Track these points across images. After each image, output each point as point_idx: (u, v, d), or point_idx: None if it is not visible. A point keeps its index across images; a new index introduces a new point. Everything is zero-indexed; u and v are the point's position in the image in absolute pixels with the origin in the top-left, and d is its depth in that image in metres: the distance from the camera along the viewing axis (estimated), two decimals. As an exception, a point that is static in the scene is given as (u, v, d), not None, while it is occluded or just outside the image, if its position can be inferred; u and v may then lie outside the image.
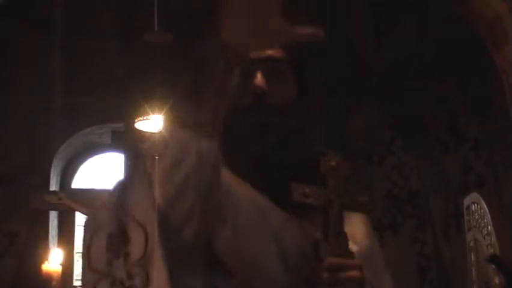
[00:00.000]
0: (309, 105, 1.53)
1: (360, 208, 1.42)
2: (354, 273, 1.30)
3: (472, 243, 4.12)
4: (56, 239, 6.87)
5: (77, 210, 6.33)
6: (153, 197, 1.24)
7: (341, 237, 1.33)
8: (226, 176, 1.34)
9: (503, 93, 4.50)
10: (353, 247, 1.36)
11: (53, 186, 6.86)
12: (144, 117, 5.62)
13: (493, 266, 3.64)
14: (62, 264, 4.14)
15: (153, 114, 5.56)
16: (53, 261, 4.01)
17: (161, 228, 1.24)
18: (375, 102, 6.45)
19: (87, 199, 6.07)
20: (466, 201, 4.26)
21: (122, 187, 1.32)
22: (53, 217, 6.85)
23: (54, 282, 3.94)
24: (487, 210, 3.92)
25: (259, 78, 1.43)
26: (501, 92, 4.56)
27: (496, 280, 3.71)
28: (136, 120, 5.69)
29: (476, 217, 4.05)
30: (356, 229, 1.45)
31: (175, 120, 1.30)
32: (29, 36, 6.48)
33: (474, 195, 4.22)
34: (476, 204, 4.09)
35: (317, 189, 1.34)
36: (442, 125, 6.20)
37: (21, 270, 6.16)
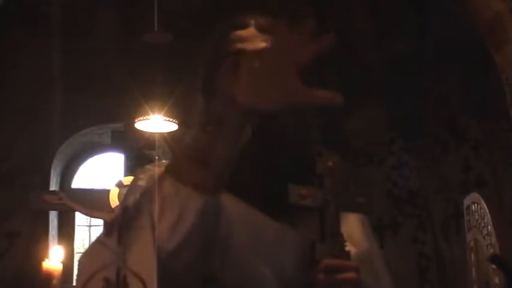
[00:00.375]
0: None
1: (357, 209, 1.40)
2: (350, 274, 1.29)
3: (472, 243, 4.13)
4: (56, 239, 6.88)
5: (77, 210, 6.33)
6: (154, 249, 1.22)
7: (337, 238, 1.31)
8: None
9: (503, 93, 4.50)
10: (351, 248, 1.35)
11: (53, 186, 6.86)
12: (144, 117, 5.63)
13: (493, 266, 3.64)
14: (63, 263, 4.10)
15: (153, 114, 5.57)
16: (53, 259, 3.94)
17: (160, 278, 1.23)
18: (375, 102, 6.46)
19: (87, 199, 6.07)
20: (466, 201, 4.27)
21: (125, 226, 1.29)
22: (53, 217, 6.86)
23: (54, 281, 3.89)
24: (487, 210, 3.92)
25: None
26: (501, 92, 4.56)
27: (496, 280, 3.71)
28: (136, 120, 5.70)
29: (476, 217, 4.05)
30: (354, 230, 1.44)
31: (178, 178, 1.27)
32: (29, 36, 6.48)
33: (474, 195, 4.22)
34: (476, 204, 4.09)
35: (314, 190, 1.33)
36: (442, 125, 6.20)
37: (22, 270, 6.16)
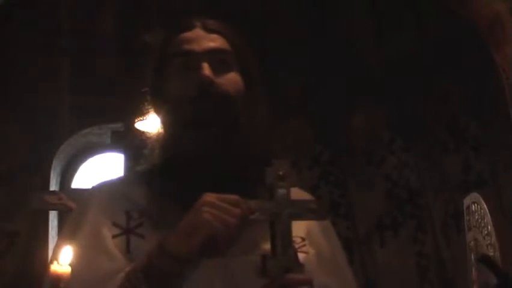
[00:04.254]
0: (257, 103, 1.49)
1: (310, 216, 1.35)
2: None
3: (472, 243, 4.12)
4: (56, 239, 6.87)
5: (77, 210, 6.32)
6: None
7: (289, 250, 1.27)
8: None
9: (503, 93, 4.50)
10: (309, 250, 1.33)
11: (53, 186, 6.86)
12: (144, 117, 5.62)
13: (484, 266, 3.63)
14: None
15: (153, 114, 5.56)
16: (62, 261, 3.85)
17: None
18: (375, 102, 6.45)
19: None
20: (466, 201, 4.26)
21: None
22: (53, 217, 6.85)
23: (62, 284, 3.84)
24: (487, 210, 3.91)
25: (205, 68, 1.40)
26: (501, 92, 4.56)
27: (496, 280, 3.70)
28: (136, 120, 5.69)
29: (476, 217, 4.05)
30: (313, 231, 1.43)
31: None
32: (29, 36, 6.47)
33: (474, 195, 4.21)
34: (476, 204, 4.08)
35: (262, 202, 1.29)
36: (442, 125, 6.20)
37: (22, 270, 6.16)
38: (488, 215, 3.88)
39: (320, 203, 1.35)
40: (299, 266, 1.28)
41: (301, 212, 1.32)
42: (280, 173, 1.29)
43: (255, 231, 1.34)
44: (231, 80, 1.44)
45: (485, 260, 3.20)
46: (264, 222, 1.30)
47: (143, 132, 5.81)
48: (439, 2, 5.26)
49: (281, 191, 1.29)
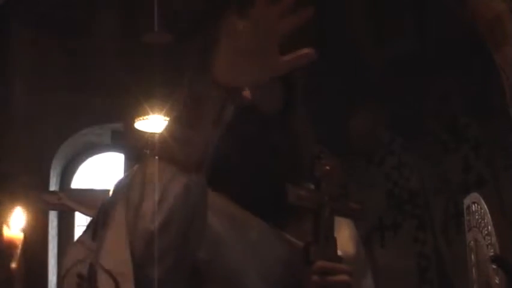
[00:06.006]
0: (298, 114, 1.52)
1: (350, 214, 1.43)
2: (343, 277, 1.31)
3: (472, 243, 4.12)
4: (56, 239, 6.88)
5: (77, 210, 6.33)
6: (128, 245, 1.20)
7: (331, 241, 1.34)
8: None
9: (503, 93, 4.50)
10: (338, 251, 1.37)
11: (53, 186, 6.86)
12: (144, 117, 5.63)
13: (494, 266, 3.64)
14: (24, 231, 3.71)
15: (153, 114, 5.57)
16: (14, 226, 3.55)
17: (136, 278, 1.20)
18: (375, 102, 6.46)
19: (87, 199, 6.07)
20: (466, 201, 4.26)
21: (100, 222, 1.28)
22: (53, 217, 6.86)
23: (17, 250, 3.61)
24: (487, 210, 3.91)
25: (245, 89, 1.41)
26: (501, 92, 4.56)
27: (496, 280, 3.70)
28: (136, 120, 5.70)
29: (476, 217, 4.05)
30: (341, 233, 1.45)
31: (161, 156, 1.25)
32: (29, 36, 6.48)
33: (474, 195, 4.21)
34: (476, 204, 4.09)
35: (312, 192, 1.36)
36: (442, 125, 6.20)
37: (21, 270, 6.15)
38: (488, 215, 3.89)
39: (361, 204, 1.42)
40: (339, 257, 1.34)
41: (343, 208, 1.39)
42: (328, 167, 1.37)
43: (293, 223, 1.38)
44: (271, 98, 1.45)
45: (497, 260, 3.20)
46: (305, 217, 1.35)
47: (143, 132, 5.83)
48: (439, 2, 5.26)
49: (327, 184, 1.36)
